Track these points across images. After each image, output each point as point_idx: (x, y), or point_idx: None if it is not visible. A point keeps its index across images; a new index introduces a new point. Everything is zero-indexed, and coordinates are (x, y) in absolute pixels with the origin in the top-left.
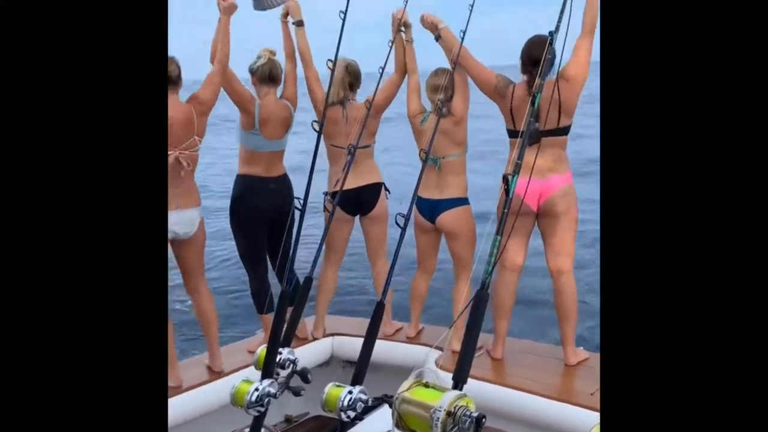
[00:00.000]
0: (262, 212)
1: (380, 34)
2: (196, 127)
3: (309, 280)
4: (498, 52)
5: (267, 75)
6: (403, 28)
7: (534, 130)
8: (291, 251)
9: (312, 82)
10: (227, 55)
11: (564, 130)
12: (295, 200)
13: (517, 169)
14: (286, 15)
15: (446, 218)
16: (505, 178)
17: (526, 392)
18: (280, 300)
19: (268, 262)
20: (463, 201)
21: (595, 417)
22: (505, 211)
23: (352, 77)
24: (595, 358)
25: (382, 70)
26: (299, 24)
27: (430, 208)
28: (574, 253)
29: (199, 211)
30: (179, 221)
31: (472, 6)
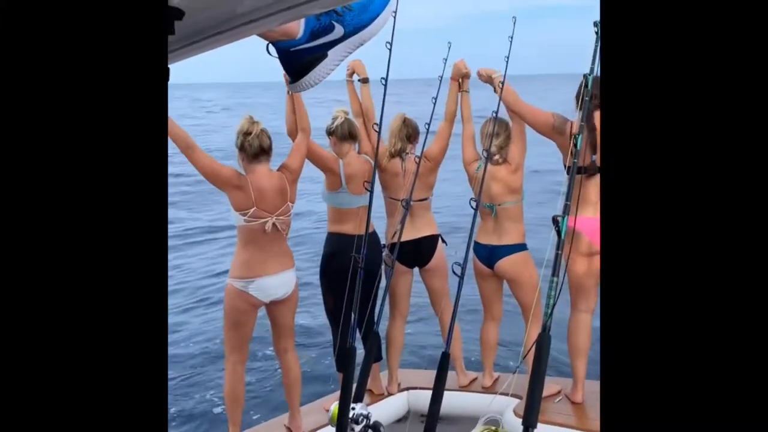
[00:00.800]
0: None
1: (418, 39)
2: (289, 194)
3: (375, 335)
4: (545, 61)
5: (347, 133)
6: (460, 79)
7: (592, 164)
8: (359, 308)
9: (375, 137)
10: (308, 123)
11: None
12: (353, 256)
13: (566, 210)
14: (351, 74)
15: (505, 264)
16: (554, 220)
17: None
18: (348, 355)
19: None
20: (521, 247)
21: None
22: (558, 252)
23: (409, 129)
24: None
25: (428, 127)
26: (365, 81)
27: (487, 254)
28: None
29: (294, 272)
30: (280, 284)
31: (515, 20)
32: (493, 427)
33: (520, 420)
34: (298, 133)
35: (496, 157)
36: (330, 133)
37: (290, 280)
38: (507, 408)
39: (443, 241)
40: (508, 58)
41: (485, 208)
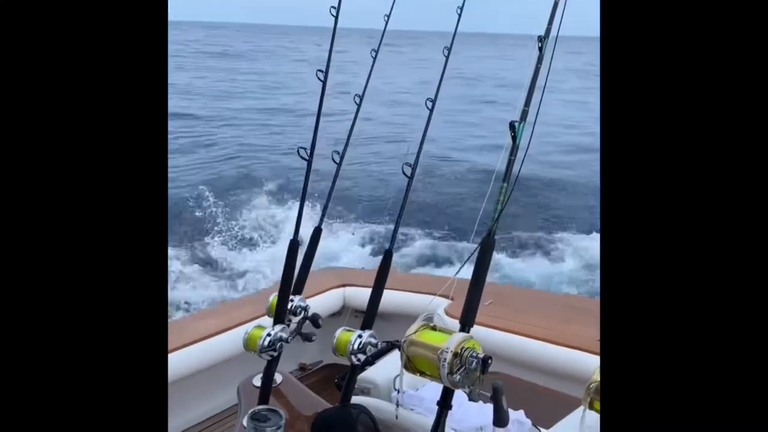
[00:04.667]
0: None
1: None
2: None
3: (318, 230)
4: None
5: None
6: None
7: None
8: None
9: None
10: None
11: None
12: (300, 150)
13: (524, 115)
14: None
15: None
16: (512, 126)
17: (531, 338)
18: (291, 248)
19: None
20: None
21: (598, 360)
22: (511, 158)
23: None
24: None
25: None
26: None
27: None
28: None
29: None
30: None
31: None
32: (431, 324)
33: (451, 319)
34: None
35: None
36: None
37: None
38: (438, 308)
39: None
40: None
41: None
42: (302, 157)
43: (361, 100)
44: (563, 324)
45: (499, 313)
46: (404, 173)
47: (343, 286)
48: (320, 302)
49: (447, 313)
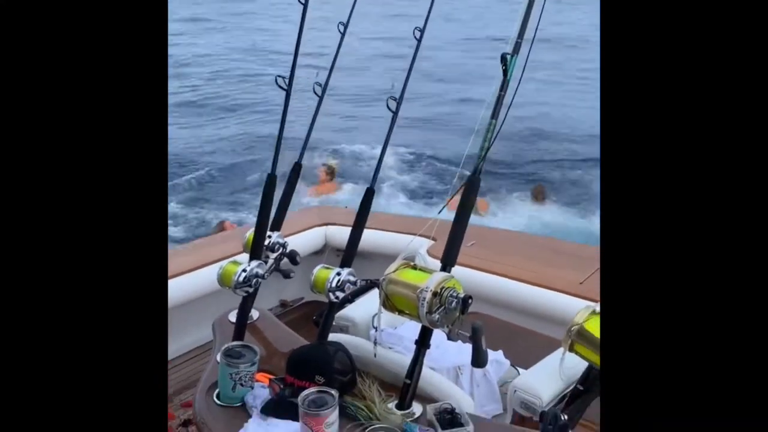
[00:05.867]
0: None
1: None
2: None
3: (298, 166)
4: None
5: None
6: None
7: None
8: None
9: None
10: None
11: None
12: (278, 78)
13: (517, 47)
14: None
15: None
16: (503, 58)
17: (512, 279)
18: (268, 183)
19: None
20: None
21: (580, 303)
22: (501, 93)
23: None
24: (584, 249)
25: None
26: None
27: None
28: None
29: None
30: None
31: None
32: (412, 263)
33: (433, 259)
34: None
35: None
36: None
37: None
38: (421, 247)
39: None
40: None
41: None
42: (280, 86)
43: (345, 28)
44: (545, 266)
45: (482, 254)
46: (389, 108)
47: (325, 225)
48: (302, 241)
49: (429, 254)
